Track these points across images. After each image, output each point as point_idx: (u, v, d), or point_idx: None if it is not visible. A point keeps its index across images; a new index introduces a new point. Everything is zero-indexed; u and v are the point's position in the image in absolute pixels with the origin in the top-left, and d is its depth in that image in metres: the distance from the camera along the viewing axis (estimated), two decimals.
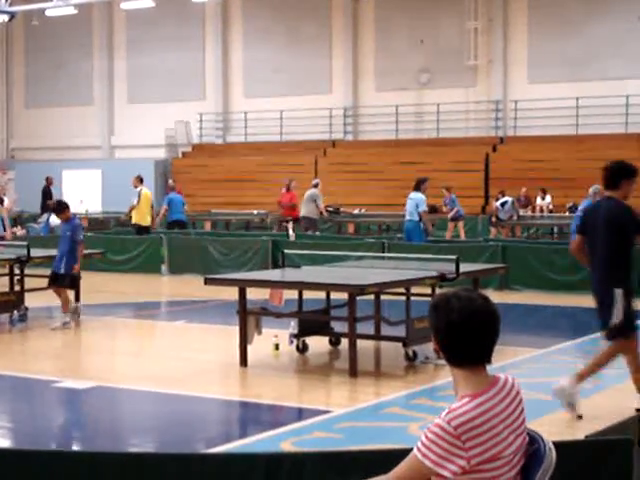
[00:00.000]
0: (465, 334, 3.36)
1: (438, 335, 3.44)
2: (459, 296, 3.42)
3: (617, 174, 8.32)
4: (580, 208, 13.23)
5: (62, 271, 13.52)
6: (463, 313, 3.36)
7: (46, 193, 29.65)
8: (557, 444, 3.52)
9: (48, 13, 36.44)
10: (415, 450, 3.33)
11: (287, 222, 24.47)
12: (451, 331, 3.38)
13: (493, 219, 26.22)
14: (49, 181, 29.99)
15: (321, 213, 24.24)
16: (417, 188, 19.10)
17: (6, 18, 34.26)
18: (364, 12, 36.00)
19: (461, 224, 25.58)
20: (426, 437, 3.31)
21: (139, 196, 22.61)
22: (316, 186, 24.09)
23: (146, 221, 22.65)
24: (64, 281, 13.56)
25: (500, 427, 3.35)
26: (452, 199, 25.61)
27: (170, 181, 28.21)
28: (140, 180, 23.22)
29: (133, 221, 22.75)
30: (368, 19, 35.89)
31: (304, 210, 23.63)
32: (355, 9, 35.99)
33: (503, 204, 25.92)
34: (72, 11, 35.90)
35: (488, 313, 3.40)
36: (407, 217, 19.13)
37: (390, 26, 35.18)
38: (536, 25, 32.83)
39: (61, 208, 13.83)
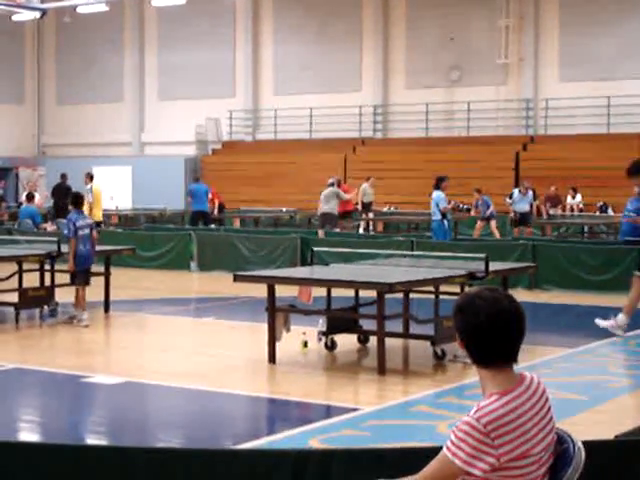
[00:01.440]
0: (492, 335, 3.36)
1: (464, 336, 3.43)
2: (484, 297, 3.40)
3: None
4: (630, 208, 13.28)
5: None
6: (489, 314, 3.35)
7: (65, 189, 29.46)
8: (586, 444, 3.50)
9: (79, 10, 36.69)
10: (445, 449, 3.32)
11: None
12: (478, 332, 3.38)
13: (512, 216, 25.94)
14: (65, 178, 29.97)
15: (348, 203, 24.61)
16: (437, 186, 19.24)
17: (38, 15, 34.50)
18: (394, 9, 35.93)
19: (493, 223, 25.40)
20: (455, 435, 3.30)
21: (91, 192, 23.01)
22: (332, 185, 24.19)
23: (98, 217, 23.05)
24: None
25: (529, 425, 3.34)
26: (485, 200, 25.42)
27: (197, 174, 28.46)
28: (91, 177, 23.83)
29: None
30: (398, 16, 35.82)
31: (324, 207, 23.75)
32: (385, 6, 35.93)
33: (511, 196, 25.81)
34: (103, 8, 36.10)
35: (514, 313, 3.39)
36: (432, 217, 19.44)
37: (420, 23, 35.09)
38: (567, 23, 32.64)
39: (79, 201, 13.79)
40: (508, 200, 25.82)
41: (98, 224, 22.73)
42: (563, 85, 32.69)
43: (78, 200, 13.79)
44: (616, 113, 31.51)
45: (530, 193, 25.60)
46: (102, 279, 14.41)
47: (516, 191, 25.62)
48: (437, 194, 19.13)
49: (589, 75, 32.01)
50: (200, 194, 26.22)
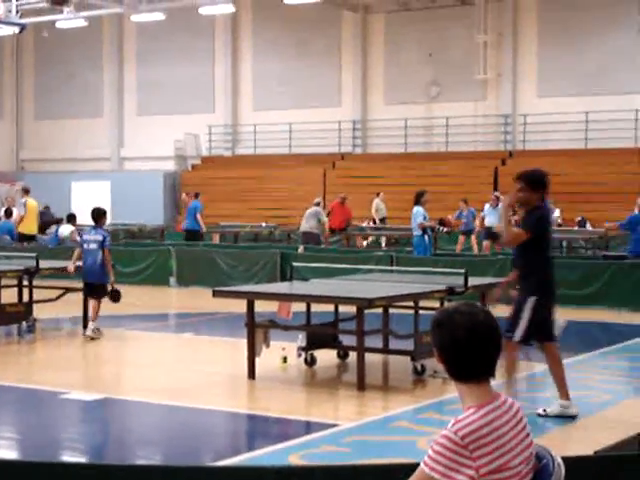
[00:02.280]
0: (469, 349, 3.36)
1: (442, 351, 3.43)
2: (461, 311, 3.41)
3: None
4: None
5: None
6: (467, 329, 3.36)
7: (50, 215, 29.54)
8: (566, 460, 3.50)
9: (58, 25, 36.57)
10: (422, 465, 3.31)
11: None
12: (456, 347, 3.38)
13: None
14: (49, 209, 30.06)
15: (325, 227, 24.56)
16: (416, 202, 19.31)
17: (16, 30, 34.32)
18: (373, 25, 36.06)
19: (473, 238, 25.38)
20: (433, 449, 3.30)
21: (25, 206, 23.17)
22: (318, 204, 24.28)
23: (31, 230, 23.23)
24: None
25: (507, 437, 3.35)
26: (471, 211, 25.42)
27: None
28: (26, 191, 24.00)
29: (19, 230, 23.22)
30: (377, 32, 35.95)
31: (306, 226, 23.79)
32: (364, 22, 36.05)
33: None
34: (82, 23, 36.02)
35: (491, 327, 3.41)
36: (413, 232, 19.54)
37: (399, 39, 35.23)
38: (545, 39, 32.85)
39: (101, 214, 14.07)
40: (482, 214, 25.61)
41: (31, 238, 22.90)
42: (541, 100, 32.87)
43: (95, 216, 13.99)
44: (594, 128, 31.69)
45: (499, 206, 25.45)
46: (80, 295, 14.33)
47: (487, 205, 25.31)
48: (416, 209, 19.20)
49: (567, 91, 32.20)
50: (188, 211, 26.26)
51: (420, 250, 19.32)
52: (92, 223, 13.99)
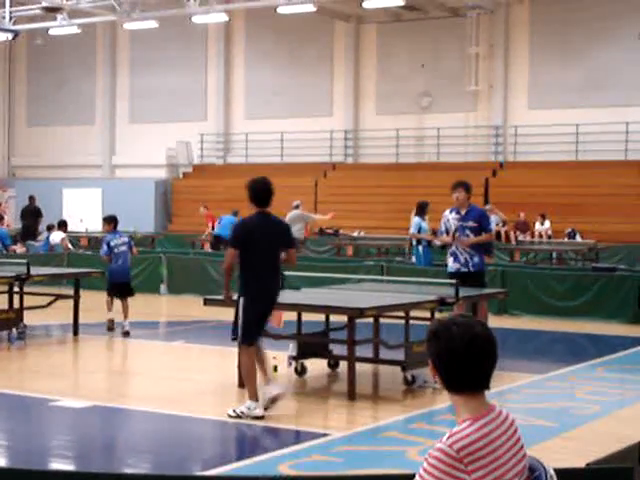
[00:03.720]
0: (466, 361, 3.36)
1: (438, 362, 3.42)
2: (458, 323, 3.40)
3: None
4: None
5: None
6: (464, 340, 3.35)
7: (35, 211, 29.38)
8: (558, 472, 3.51)
9: (52, 32, 36.56)
10: (417, 477, 3.30)
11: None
12: (452, 359, 3.37)
13: None
14: (33, 200, 29.84)
15: (321, 231, 24.35)
16: (417, 212, 19.25)
17: (9, 37, 34.31)
18: (366, 36, 36.14)
19: None
20: (428, 462, 3.29)
21: None
22: (297, 207, 24.17)
23: None
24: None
25: (501, 450, 3.35)
26: None
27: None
28: None
29: None
30: (370, 43, 36.03)
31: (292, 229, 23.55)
32: (357, 32, 36.13)
33: None
34: (75, 30, 36.00)
35: (487, 340, 3.40)
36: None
37: (391, 50, 35.32)
38: (537, 51, 32.96)
39: (111, 221, 14.98)
40: None
41: None
42: (532, 112, 32.96)
43: (115, 222, 14.94)
44: (584, 141, 31.79)
45: (492, 217, 25.41)
46: (71, 302, 14.32)
47: None
48: (414, 220, 19.18)
49: (558, 103, 32.29)
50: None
51: (418, 260, 19.36)
52: (111, 229, 14.99)
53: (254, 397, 8.98)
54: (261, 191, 9.63)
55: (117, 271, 14.77)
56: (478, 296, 12.05)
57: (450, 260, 12.51)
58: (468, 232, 12.28)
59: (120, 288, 14.84)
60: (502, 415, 3.43)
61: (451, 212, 12.54)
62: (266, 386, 9.18)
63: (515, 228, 28.90)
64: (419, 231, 19.09)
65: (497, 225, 27.02)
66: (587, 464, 4.65)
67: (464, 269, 12.22)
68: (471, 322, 3.42)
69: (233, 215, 26.54)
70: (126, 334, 14.38)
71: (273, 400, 9.14)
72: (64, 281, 18.20)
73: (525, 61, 33.35)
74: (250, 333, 9.12)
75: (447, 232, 12.52)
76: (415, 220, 19.12)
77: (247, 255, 9.22)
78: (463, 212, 12.36)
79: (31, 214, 28.19)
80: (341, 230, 31.22)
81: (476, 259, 12.29)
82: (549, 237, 29.16)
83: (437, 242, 13.55)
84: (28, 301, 14.28)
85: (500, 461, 3.33)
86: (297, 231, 23.50)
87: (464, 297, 11.03)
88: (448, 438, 3.30)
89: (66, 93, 41.40)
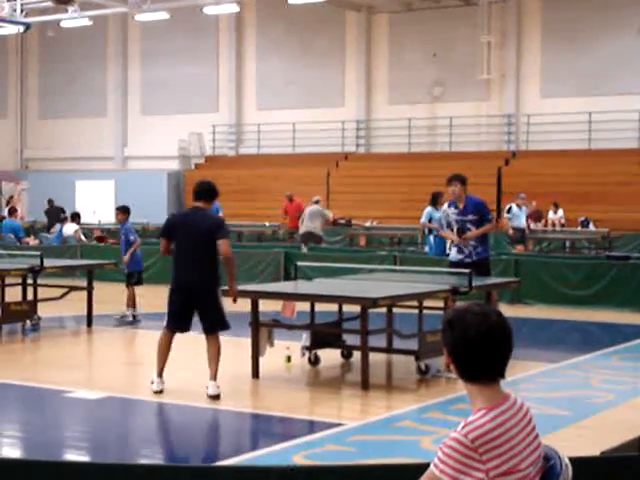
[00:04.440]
0: (482, 350, 3.35)
1: (453, 352, 3.41)
2: (474, 312, 3.39)
3: None
4: None
5: (126, 270, 15.37)
6: (480, 329, 3.34)
7: (57, 211, 29.50)
8: (573, 460, 3.50)
9: (63, 24, 36.62)
10: (432, 467, 3.30)
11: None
12: (467, 348, 3.36)
13: (511, 233, 25.18)
14: (52, 202, 30.02)
15: (334, 222, 24.12)
16: (431, 202, 19.11)
17: (21, 29, 34.41)
18: (377, 25, 36.07)
19: None
20: (443, 452, 3.28)
21: None
22: (317, 202, 24.12)
23: None
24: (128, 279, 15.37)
25: (516, 440, 3.34)
26: None
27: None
28: None
29: None
30: (381, 32, 35.96)
31: (310, 225, 23.34)
32: (369, 22, 36.06)
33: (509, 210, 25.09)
34: (87, 22, 36.05)
35: (503, 329, 3.39)
36: None
37: (403, 39, 35.24)
38: (549, 40, 32.85)
39: (125, 211, 15.52)
40: (506, 215, 25.15)
41: None
42: (545, 101, 32.86)
43: (125, 211, 15.52)
44: (597, 129, 31.68)
45: (524, 208, 25.21)
46: (85, 293, 14.36)
47: (514, 206, 24.96)
48: (426, 209, 19.06)
49: (570, 91, 32.19)
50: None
51: (430, 249, 19.28)
52: (114, 220, 15.90)
53: (159, 373, 9.69)
54: (197, 188, 9.92)
55: (140, 261, 15.66)
56: (491, 285, 12.03)
57: (454, 250, 12.52)
58: (469, 225, 12.25)
59: (140, 276, 15.47)
60: (517, 404, 3.42)
61: (450, 206, 12.50)
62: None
63: (528, 217, 28.83)
64: (430, 221, 18.99)
65: (528, 217, 26.50)
66: (602, 452, 4.64)
67: (467, 259, 12.21)
68: (487, 311, 3.41)
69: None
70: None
71: None
72: (77, 273, 18.23)
73: (537, 50, 33.25)
74: (169, 320, 9.80)
75: (449, 225, 12.49)
76: (427, 209, 19.03)
77: (173, 247, 9.81)
78: (461, 206, 12.31)
79: (56, 213, 28.40)
80: (354, 220, 31.19)
81: (479, 249, 12.28)
82: (562, 226, 29.09)
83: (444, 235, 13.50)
84: (42, 293, 14.33)
85: (515, 450, 3.32)
86: (316, 227, 23.44)
87: (477, 287, 11.01)
88: (463, 427, 3.29)
89: (78, 85, 41.46)
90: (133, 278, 15.31)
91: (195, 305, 9.67)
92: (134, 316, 15.08)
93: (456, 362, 3.42)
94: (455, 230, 12.30)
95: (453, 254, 12.52)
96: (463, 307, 3.44)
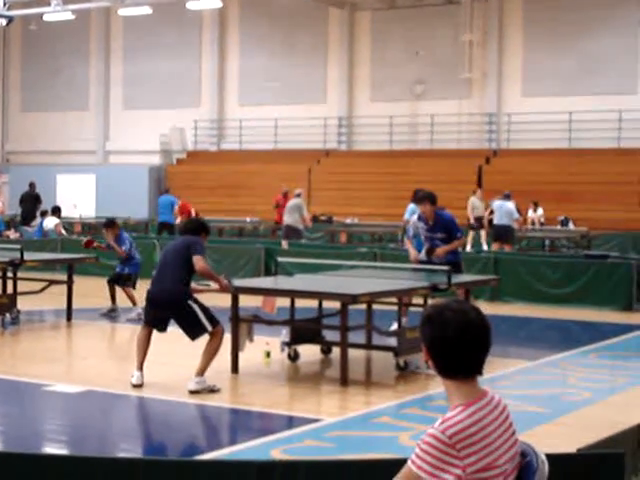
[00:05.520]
0: (459, 347, 3.37)
1: (432, 348, 3.43)
2: (452, 308, 3.41)
3: None
4: None
5: (125, 271, 15.10)
6: (458, 326, 3.36)
7: (35, 197, 29.15)
8: (549, 457, 3.54)
9: (46, 18, 36.47)
10: (409, 462, 3.32)
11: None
12: (446, 344, 3.38)
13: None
14: (33, 186, 29.62)
15: (304, 221, 24.03)
16: (412, 199, 19.13)
17: (4, 22, 34.24)
18: (360, 23, 36.11)
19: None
20: (420, 448, 3.30)
21: None
22: (299, 196, 24.11)
23: None
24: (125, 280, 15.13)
25: (493, 436, 3.37)
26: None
27: (163, 185, 28.62)
28: None
29: None
30: (364, 30, 36.00)
31: (289, 219, 23.43)
32: (351, 19, 36.09)
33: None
34: (70, 16, 35.94)
35: (481, 326, 3.41)
36: None
37: (386, 37, 35.30)
38: (531, 39, 32.98)
39: (111, 224, 15.31)
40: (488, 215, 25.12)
41: None
42: (526, 100, 33.00)
43: (114, 224, 15.38)
44: (577, 128, 31.84)
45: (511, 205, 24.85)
46: (65, 287, 14.34)
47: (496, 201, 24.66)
48: (409, 206, 19.13)
49: (551, 90, 32.34)
50: (164, 205, 26.33)
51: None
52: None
53: (139, 367, 9.83)
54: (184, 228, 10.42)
55: (139, 262, 15.43)
56: (470, 283, 12.09)
57: (423, 254, 12.75)
58: (438, 242, 12.54)
59: (136, 278, 15.26)
60: (494, 401, 3.45)
61: (419, 220, 12.70)
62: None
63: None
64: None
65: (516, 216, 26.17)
66: (578, 449, 4.69)
67: (437, 260, 12.41)
68: (465, 308, 3.43)
69: (164, 193, 26.79)
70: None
71: None
72: (58, 267, 18.20)
73: (519, 49, 33.38)
74: (145, 317, 10.17)
75: (415, 236, 12.93)
76: (410, 206, 19.07)
77: None
78: (431, 223, 12.51)
79: (30, 199, 28.10)
80: (334, 217, 31.23)
81: (449, 256, 12.47)
82: (542, 224, 29.20)
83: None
84: (22, 286, 14.29)
85: (492, 447, 3.35)
86: (295, 221, 23.45)
87: (456, 284, 11.07)
88: (440, 424, 3.32)
89: (60, 79, 41.33)
90: (130, 280, 15.04)
91: (168, 316, 9.83)
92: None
93: (434, 358, 3.44)
94: (424, 249, 12.56)
95: (422, 256, 12.73)
96: (442, 303, 3.46)
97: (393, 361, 10.60)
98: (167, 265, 9.78)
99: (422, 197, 12.73)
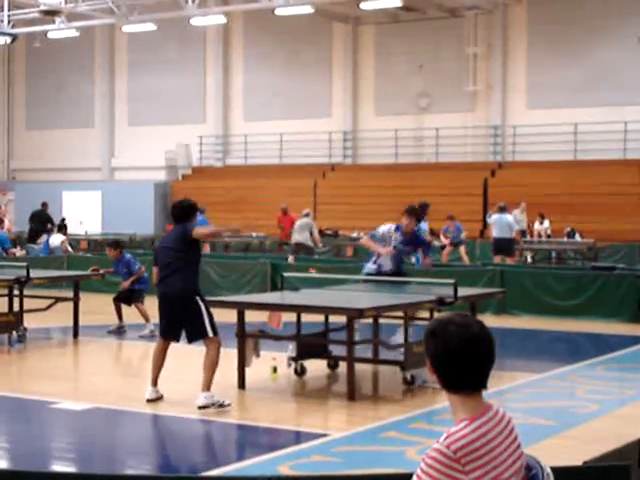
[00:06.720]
0: (463, 361, 3.36)
1: (435, 362, 3.42)
2: (456, 322, 3.40)
3: None
4: None
5: (136, 287, 15.17)
6: (461, 340, 3.35)
7: (46, 218, 29.11)
8: (555, 470, 3.53)
9: (50, 35, 36.59)
10: (415, 478, 3.30)
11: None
12: (449, 358, 3.37)
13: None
14: (46, 206, 29.60)
15: (316, 242, 24.28)
16: None
17: (8, 40, 34.39)
18: (364, 37, 36.17)
19: (462, 249, 25.34)
20: (425, 463, 3.29)
21: None
22: (307, 215, 24.25)
23: None
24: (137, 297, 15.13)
25: (498, 450, 3.35)
26: (457, 226, 25.31)
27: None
28: None
29: None
30: (368, 44, 36.07)
31: (299, 237, 23.66)
32: (355, 34, 36.16)
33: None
34: (74, 33, 36.06)
35: (485, 339, 3.40)
36: None
37: (390, 51, 35.35)
38: (535, 51, 33.00)
39: (117, 246, 15.40)
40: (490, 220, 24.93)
41: None
42: (531, 112, 33.00)
43: (118, 246, 15.49)
44: (583, 140, 31.83)
45: (517, 214, 24.88)
46: (71, 304, 14.34)
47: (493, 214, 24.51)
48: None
49: (556, 102, 32.33)
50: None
51: (415, 261, 19.35)
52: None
53: (153, 382, 9.84)
54: (171, 212, 10.17)
55: (148, 279, 15.30)
56: (477, 296, 12.07)
57: (370, 263, 12.77)
58: (403, 254, 13.10)
59: (143, 294, 15.33)
60: (499, 414, 3.44)
61: (397, 230, 12.72)
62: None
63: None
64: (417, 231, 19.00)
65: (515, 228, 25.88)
66: (584, 462, 4.67)
67: (384, 269, 12.53)
68: (469, 322, 3.42)
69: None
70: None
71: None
72: (64, 284, 18.20)
73: (523, 61, 33.40)
74: (160, 329, 10.02)
75: (384, 240, 12.77)
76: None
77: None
78: (407, 236, 12.66)
79: (41, 220, 27.97)
80: (340, 231, 31.22)
81: (395, 266, 12.73)
82: (548, 236, 29.17)
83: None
84: (28, 304, 14.29)
85: (497, 461, 3.34)
86: (305, 239, 23.68)
87: (462, 297, 11.05)
88: (445, 438, 3.30)
89: (65, 96, 41.44)
90: (141, 297, 15.11)
91: (178, 314, 9.73)
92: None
93: (438, 373, 3.43)
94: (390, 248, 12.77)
95: (369, 265, 12.86)
96: (446, 317, 3.45)
97: (400, 375, 10.59)
98: (168, 264, 9.71)
99: (410, 211, 12.97)
